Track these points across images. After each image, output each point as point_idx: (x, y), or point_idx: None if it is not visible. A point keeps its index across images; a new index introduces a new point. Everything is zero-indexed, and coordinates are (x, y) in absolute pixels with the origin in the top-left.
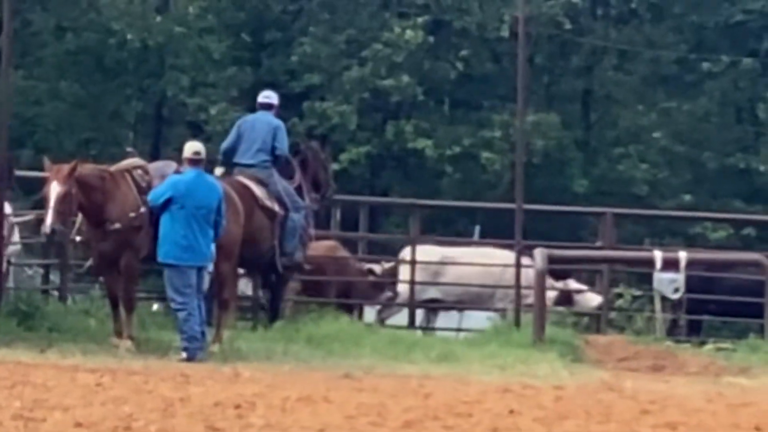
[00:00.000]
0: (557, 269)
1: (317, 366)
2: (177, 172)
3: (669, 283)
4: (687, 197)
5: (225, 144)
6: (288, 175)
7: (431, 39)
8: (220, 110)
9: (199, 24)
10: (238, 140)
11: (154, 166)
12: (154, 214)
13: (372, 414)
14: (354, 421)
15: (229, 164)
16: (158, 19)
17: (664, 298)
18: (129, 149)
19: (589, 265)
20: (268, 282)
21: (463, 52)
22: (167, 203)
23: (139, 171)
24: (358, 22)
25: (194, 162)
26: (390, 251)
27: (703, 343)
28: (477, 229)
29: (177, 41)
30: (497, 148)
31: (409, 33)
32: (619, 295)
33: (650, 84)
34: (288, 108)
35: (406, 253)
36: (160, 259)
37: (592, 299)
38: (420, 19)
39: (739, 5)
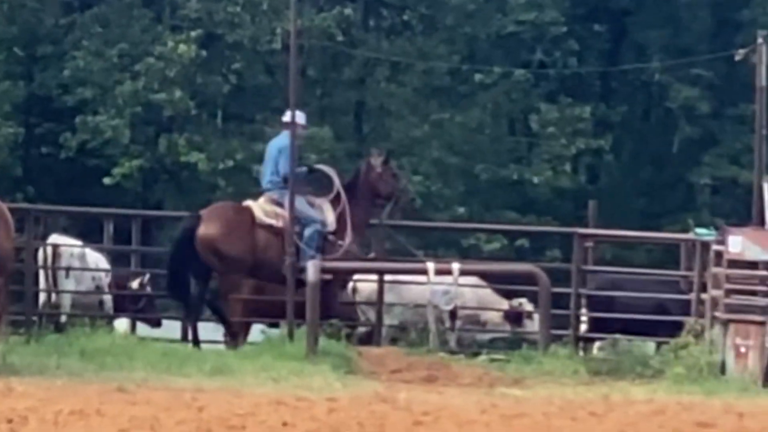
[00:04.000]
0: (505, 289)
1: (90, 379)
2: None
3: (442, 294)
4: (460, 209)
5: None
6: (324, 189)
7: (204, 53)
8: None
9: None
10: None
11: None
12: None
13: (145, 427)
14: None
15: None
16: None
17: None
18: None
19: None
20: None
21: (236, 66)
22: None
23: None
24: (130, 36)
25: None
26: (164, 265)
27: (476, 354)
28: None
29: None
30: None
31: (181, 47)
32: (392, 306)
33: (423, 95)
34: (61, 122)
35: None
36: None
37: None
38: (193, 33)
39: (511, 16)
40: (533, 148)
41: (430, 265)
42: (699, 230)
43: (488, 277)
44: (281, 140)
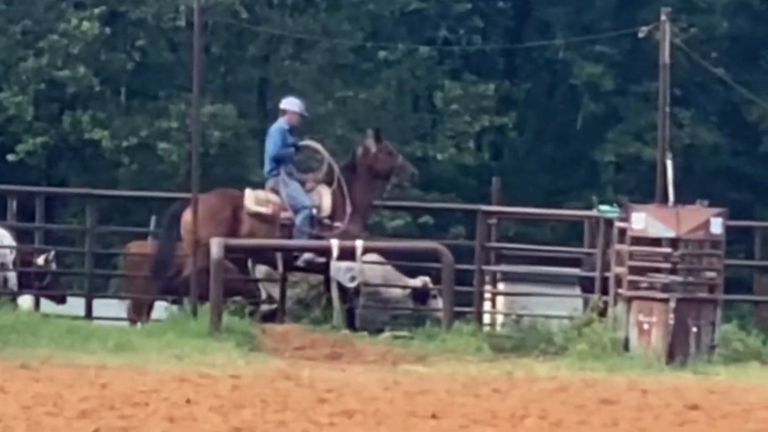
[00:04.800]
0: (409, 266)
1: None
2: None
3: (346, 271)
4: None
5: None
6: (312, 167)
7: (108, 30)
8: None
9: None
10: None
11: None
12: None
13: (48, 404)
14: (30, 411)
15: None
16: None
17: (341, 287)
18: None
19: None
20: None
21: (140, 42)
22: None
23: None
24: (34, 13)
25: None
26: (68, 242)
27: (380, 332)
28: (153, 219)
29: None
30: (174, 138)
31: (85, 24)
32: (296, 284)
33: (327, 73)
34: None
35: None
36: None
37: None
38: (96, 10)
39: None
40: (437, 125)
41: (334, 242)
42: (602, 207)
43: (392, 255)
44: (273, 127)
